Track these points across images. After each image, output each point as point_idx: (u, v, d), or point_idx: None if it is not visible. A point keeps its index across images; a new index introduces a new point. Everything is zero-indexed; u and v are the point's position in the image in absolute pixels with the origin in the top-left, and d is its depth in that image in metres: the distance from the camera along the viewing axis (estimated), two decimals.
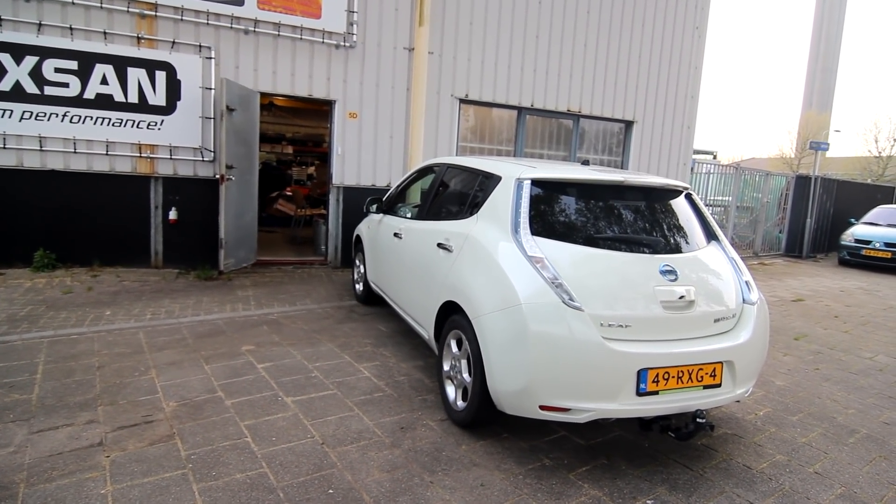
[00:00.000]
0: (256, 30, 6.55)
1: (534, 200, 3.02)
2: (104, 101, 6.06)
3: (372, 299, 5.41)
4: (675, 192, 3.34)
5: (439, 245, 3.52)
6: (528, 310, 2.63)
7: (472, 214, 3.38)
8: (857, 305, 7.38)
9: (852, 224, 12.32)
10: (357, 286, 5.77)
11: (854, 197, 14.44)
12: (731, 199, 11.65)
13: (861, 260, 11.36)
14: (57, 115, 5.91)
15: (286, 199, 10.11)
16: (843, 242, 11.79)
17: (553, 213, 3.08)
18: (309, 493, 2.40)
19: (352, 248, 6.18)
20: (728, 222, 11.53)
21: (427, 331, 3.64)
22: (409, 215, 4.49)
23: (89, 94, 6.00)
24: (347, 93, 7.13)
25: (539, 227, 2.93)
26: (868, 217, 12.44)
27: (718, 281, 3.04)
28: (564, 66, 8.43)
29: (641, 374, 2.62)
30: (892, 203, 15.38)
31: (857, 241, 11.53)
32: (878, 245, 11.16)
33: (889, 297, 8.26)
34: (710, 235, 3.31)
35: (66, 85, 5.91)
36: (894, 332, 6.03)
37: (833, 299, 7.73)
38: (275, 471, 2.55)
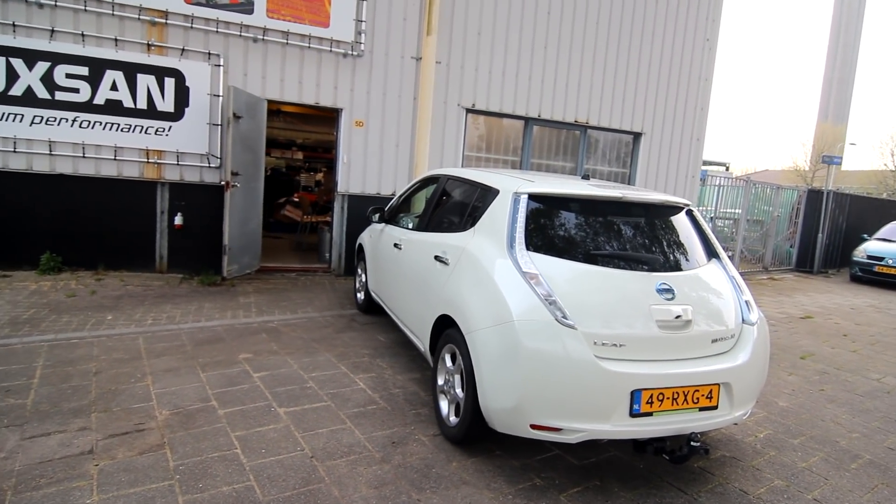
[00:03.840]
0: (265, 38, 6.60)
1: (531, 215, 2.99)
2: (113, 107, 6.13)
3: (372, 308, 5.40)
4: (675, 209, 3.30)
5: (436, 258, 3.50)
6: (520, 327, 2.60)
7: (469, 227, 3.36)
8: (867, 324, 7.25)
9: (865, 240, 12.12)
10: (358, 295, 5.77)
11: (867, 212, 14.22)
12: (741, 212, 11.53)
13: (873, 276, 11.17)
14: (67, 119, 5.99)
15: (293, 205, 10.16)
16: (855, 258, 11.61)
17: (550, 228, 3.06)
18: None
19: (354, 257, 6.18)
20: (738, 235, 11.40)
21: (423, 343, 3.61)
22: (409, 226, 4.48)
23: (99, 99, 6.07)
24: (354, 101, 7.16)
25: (535, 242, 2.90)
26: (881, 233, 12.24)
27: (717, 300, 2.99)
28: (572, 76, 8.41)
29: (635, 395, 2.57)
30: None
31: (869, 257, 11.34)
32: (891, 262, 10.97)
33: None
34: (711, 253, 3.26)
35: (76, 90, 6.00)
36: None
37: (843, 317, 7.59)
38: (262, 484, 2.53)
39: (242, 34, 6.52)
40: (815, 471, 3.11)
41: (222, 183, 6.40)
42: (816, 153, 36.91)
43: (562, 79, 8.34)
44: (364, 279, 5.54)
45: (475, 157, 8.15)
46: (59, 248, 6.18)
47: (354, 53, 7.03)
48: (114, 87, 6.12)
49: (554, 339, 2.57)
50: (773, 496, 2.81)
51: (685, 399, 2.67)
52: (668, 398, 2.63)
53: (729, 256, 3.31)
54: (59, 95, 5.94)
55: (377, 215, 5.10)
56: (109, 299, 5.37)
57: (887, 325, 7.23)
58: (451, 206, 4.04)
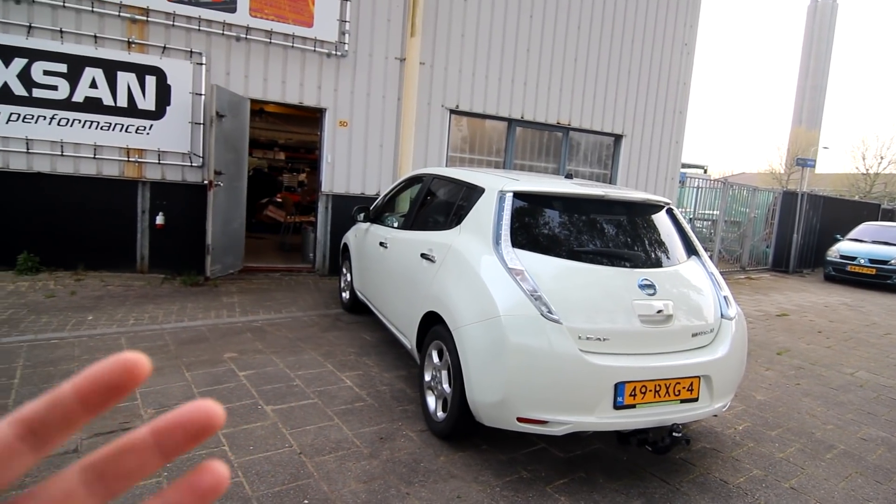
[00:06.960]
0: (248, 37, 6.57)
1: (516, 213, 3.04)
2: (93, 105, 6.04)
3: (358, 308, 5.40)
4: (656, 207, 3.38)
5: (423, 255, 3.53)
6: (506, 322, 2.65)
7: (455, 225, 3.39)
8: (840, 321, 7.46)
9: (838, 240, 12.46)
10: (343, 294, 5.76)
11: (840, 213, 14.62)
12: (718, 213, 11.76)
13: (846, 276, 11.49)
14: (45, 117, 5.89)
15: (276, 205, 10.10)
16: (828, 258, 11.93)
17: (534, 225, 3.11)
18: (284, 503, 2.39)
19: (339, 256, 6.18)
20: (716, 236, 11.63)
21: (409, 340, 3.64)
22: (395, 225, 4.50)
23: (78, 97, 5.98)
24: (338, 101, 7.16)
25: (520, 239, 2.95)
26: (853, 233, 12.59)
27: (697, 296, 3.07)
28: (555, 79, 8.52)
29: (619, 388, 2.63)
30: (877, 220, 15.59)
31: (842, 257, 11.66)
32: (862, 261, 11.30)
33: (872, 312, 8.36)
34: (690, 250, 3.34)
35: (54, 88, 5.90)
36: (876, 347, 6.10)
37: (817, 315, 7.80)
38: (251, 480, 2.54)
39: (225, 33, 6.47)
40: (791, 461, 3.21)
41: (205, 182, 6.35)
42: (791, 156, 37.81)
43: (544, 81, 8.44)
44: (349, 278, 5.54)
45: (458, 158, 8.20)
46: (37, 247, 6.06)
47: (338, 53, 7.03)
48: (93, 85, 6.03)
49: (539, 333, 2.62)
50: (752, 485, 2.89)
51: (667, 391, 2.74)
52: (650, 390, 2.70)
53: (708, 256, 3.41)
54: (37, 93, 5.84)
55: (362, 214, 5.12)
56: (90, 300, 5.29)
57: (859, 323, 7.45)
58: (436, 205, 4.07)
